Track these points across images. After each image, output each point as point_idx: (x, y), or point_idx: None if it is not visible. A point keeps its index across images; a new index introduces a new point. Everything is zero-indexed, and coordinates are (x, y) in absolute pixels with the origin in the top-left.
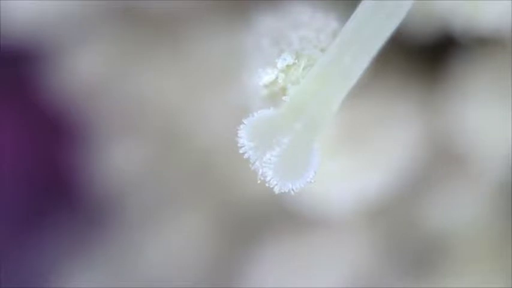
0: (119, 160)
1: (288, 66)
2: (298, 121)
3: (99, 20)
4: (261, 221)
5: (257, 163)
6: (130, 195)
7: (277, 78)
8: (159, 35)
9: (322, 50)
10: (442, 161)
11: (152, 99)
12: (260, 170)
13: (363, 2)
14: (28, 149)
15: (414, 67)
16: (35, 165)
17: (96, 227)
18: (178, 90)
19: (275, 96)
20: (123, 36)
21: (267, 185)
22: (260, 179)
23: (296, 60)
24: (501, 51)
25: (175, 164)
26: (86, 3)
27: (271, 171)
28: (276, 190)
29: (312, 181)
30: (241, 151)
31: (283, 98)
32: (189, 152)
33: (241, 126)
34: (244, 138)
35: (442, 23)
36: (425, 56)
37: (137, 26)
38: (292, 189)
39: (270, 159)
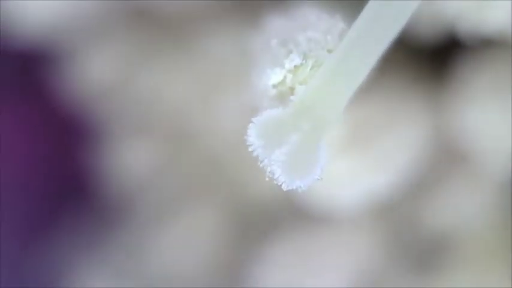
0: (131, 159)
1: (295, 66)
2: (306, 121)
3: (111, 22)
4: (270, 219)
5: (266, 161)
6: (142, 194)
7: (285, 78)
8: (170, 36)
9: (329, 51)
10: (447, 161)
11: (164, 99)
12: (268, 168)
13: (369, 3)
14: (42, 148)
15: (420, 68)
16: (48, 165)
17: (109, 226)
18: (189, 90)
19: (283, 95)
20: (135, 38)
21: (275, 182)
22: (268, 177)
23: (304, 61)
24: (505, 53)
25: (186, 163)
26: (98, 6)
27: (279, 169)
28: (284, 188)
29: (319, 179)
30: (250, 149)
31: (291, 97)
32: (199, 151)
33: (250, 125)
34: (253, 137)
35: (448, 26)
36: (432, 57)
37: (149, 27)
38: (300, 187)
39: (278, 157)
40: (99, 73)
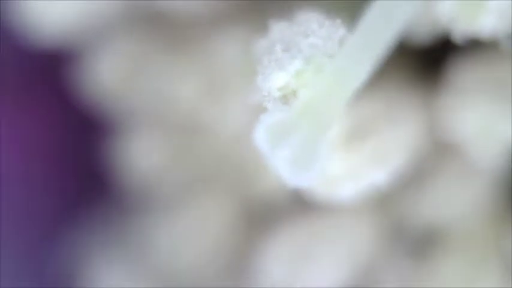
0: (142, 154)
1: (298, 71)
2: (309, 122)
3: (125, 24)
4: (275, 210)
5: (271, 159)
6: (153, 187)
7: (289, 82)
8: (180, 37)
9: (330, 57)
10: (440, 155)
11: (174, 96)
12: (274, 166)
13: (368, 11)
14: (57, 145)
15: (415, 67)
16: (63, 161)
17: (123, 216)
18: (199, 88)
19: (287, 97)
20: (148, 38)
21: (280, 180)
22: (274, 174)
23: (306, 66)
24: (495, 53)
25: (195, 158)
26: (114, 8)
27: (284, 167)
28: (289, 184)
29: (321, 175)
30: (256, 146)
31: (295, 100)
32: (208, 146)
33: (257, 125)
34: (260, 137)
35: (441, 27)
36: (426, 56)
37: (160, 29)
38: (304, 183)
39: (283, 156)
40: (113, 72)
